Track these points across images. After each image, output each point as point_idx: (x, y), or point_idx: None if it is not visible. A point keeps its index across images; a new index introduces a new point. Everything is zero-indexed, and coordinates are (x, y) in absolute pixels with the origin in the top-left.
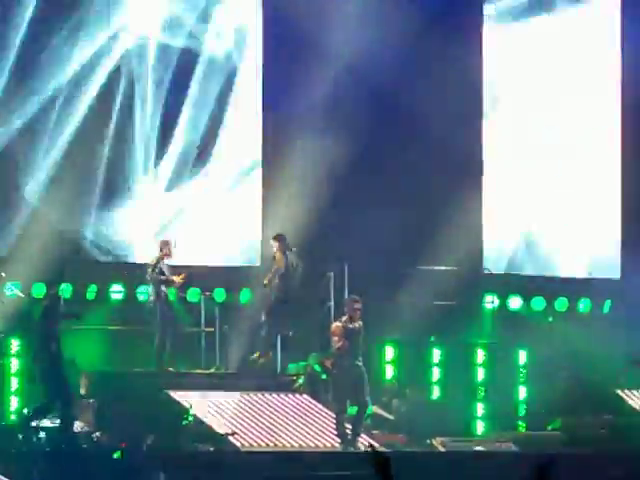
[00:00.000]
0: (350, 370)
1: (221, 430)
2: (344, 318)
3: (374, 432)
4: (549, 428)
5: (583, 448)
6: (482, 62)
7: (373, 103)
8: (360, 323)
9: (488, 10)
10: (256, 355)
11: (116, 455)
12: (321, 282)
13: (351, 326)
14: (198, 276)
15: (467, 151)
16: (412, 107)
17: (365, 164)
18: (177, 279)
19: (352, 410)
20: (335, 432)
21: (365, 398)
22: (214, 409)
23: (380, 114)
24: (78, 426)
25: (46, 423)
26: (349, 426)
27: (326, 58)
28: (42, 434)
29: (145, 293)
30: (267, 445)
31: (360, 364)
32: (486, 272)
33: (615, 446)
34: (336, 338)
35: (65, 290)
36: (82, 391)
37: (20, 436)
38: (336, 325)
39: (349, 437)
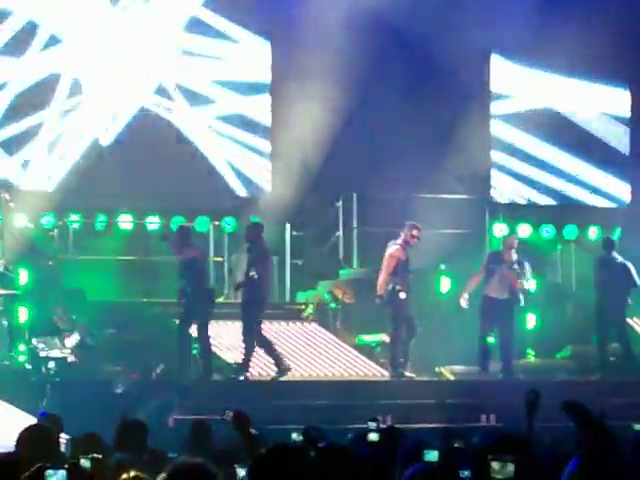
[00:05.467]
0: (407, 297)
1: (229, 359)
2: (399, 241)
3: (382, 361)
4: (558, 357)
5: (592, 376)
6: None
7: (383, 32)
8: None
9: None
10: None
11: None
12: (330, 211)
13: (406, 253)
14: (206, 205)
15: (477, 80)
16: (420, 42)
17: (375, 92)
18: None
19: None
20: (389, 360)
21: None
22: (223, 338)
23: (390, 42)
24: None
25: (55, 353)
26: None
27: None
28: (51, 364)
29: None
30: (276, 375)
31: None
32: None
33: (624, 374)
34: (388, 261)
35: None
36: (60, 325)
37: (29, 366)
38: (395, 249)
39: (402, 365)
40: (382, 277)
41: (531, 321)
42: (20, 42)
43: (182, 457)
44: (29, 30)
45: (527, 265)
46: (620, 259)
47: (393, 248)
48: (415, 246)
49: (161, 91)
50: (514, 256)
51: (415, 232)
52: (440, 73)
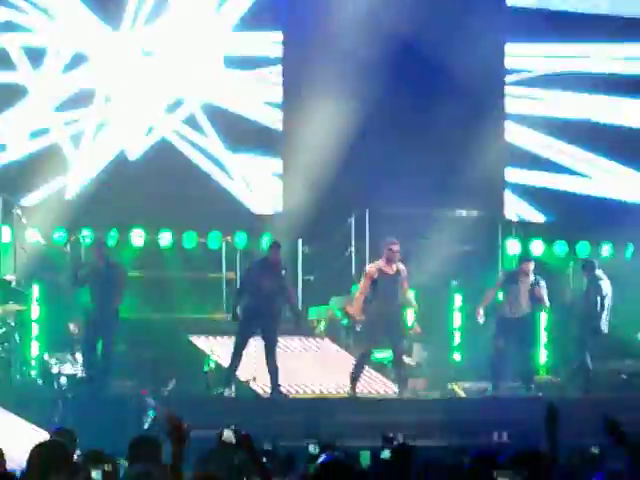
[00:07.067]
0: (379, 315)
1: (242, 376)
2: (380, 261)
3: (393, 377)
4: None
5: (602, 394)
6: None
7: (393, 47)
8: (398, 267)
9: None
10: None
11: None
12: (342, 227)
13: (385, 269)
14: (219, 220)
15: (490, 94)
16: (433, 52)
17: (387, 109)
18: None
19: (383, 356)
20: (351, 374)
21: (399, 343)
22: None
23: (400, 59)
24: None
25: (67, 369)
26: (371, 372)
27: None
28: (63, 380)
29: None
30: (288, 391)
31: (394, 309)
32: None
33: (635, 392)
34: (363, 280)
35: (87, 237)
36: (74, 336)
37: (41, 382)
38: (369, 267)
39: (358, 381)
40: (356, 296)
41: (543, 338)
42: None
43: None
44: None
45: (543, 283)
46: (601, 280)
47: (367, 267)
48: (395, 259)
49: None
50: (531, 277)
51: (394, 247)
52: (455, 86)
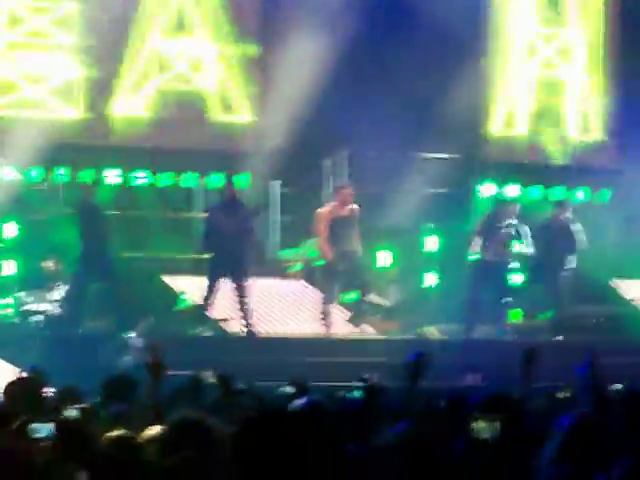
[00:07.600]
0: (336, 256)
1: (216, 316)
2: (332, 204)
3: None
4: (540, 318)
5: (575, 337)
6: None
7: None
8: (350, 209)
9: None
10: None
11: None
12: (319, 167)
13: (340, 212)
14: (193, 160)
15: (469, 35)
16: None
17: (364, 49)
18: None
19: (352, 297)
20: (321, 315)
21: (361, 281)
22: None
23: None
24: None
25: (43, 307)
26: (342, 312)
27: None
28: (38, 317)
29: None
30: (264, 331)
31: (353, 250)
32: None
33: (607, 336)
34: (318, 223)
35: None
36: (51, 274)
37: (17, 320)
38: (322, 210)
39: (330, 322)
40: (320, 242)
41: (517, 281)
42: None
43: (181, 411)
44: None
45: (525, 229)
46: (573, 222)
47: (320, 210)
48: (349, 202)
49: None
50: (512, 220)
51: (348, 190)
52: (435, 25)
